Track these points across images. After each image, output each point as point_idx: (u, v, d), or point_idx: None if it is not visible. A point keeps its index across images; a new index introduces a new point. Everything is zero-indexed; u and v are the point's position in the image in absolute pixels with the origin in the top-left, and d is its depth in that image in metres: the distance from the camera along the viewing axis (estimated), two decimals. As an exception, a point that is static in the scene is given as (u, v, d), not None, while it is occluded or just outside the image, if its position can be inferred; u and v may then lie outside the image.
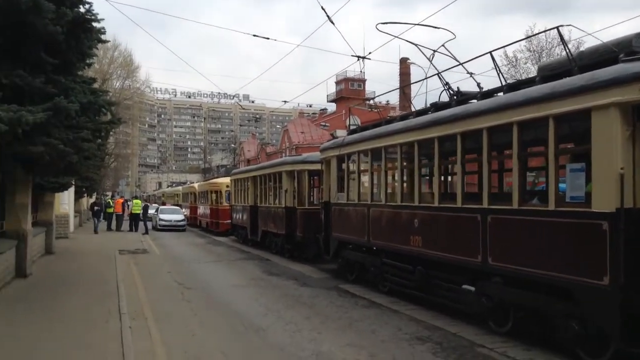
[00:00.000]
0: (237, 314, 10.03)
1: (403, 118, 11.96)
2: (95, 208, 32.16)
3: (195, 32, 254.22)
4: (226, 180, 31.18)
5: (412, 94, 19.40)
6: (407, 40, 11.95)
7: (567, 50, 7.91)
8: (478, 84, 9.82)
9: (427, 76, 11.25)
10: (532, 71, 28.58)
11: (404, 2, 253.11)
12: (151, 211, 37.04)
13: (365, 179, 13.18)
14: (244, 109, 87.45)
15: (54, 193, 19.55)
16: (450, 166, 11.20)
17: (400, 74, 56.77)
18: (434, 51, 11.01)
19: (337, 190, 14.23)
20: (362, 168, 13.16)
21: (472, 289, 8.82)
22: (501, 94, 8.78)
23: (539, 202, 8.04)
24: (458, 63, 10.35)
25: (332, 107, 75.30)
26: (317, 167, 16.59)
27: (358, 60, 17.09)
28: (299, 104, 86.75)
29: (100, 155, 19.47)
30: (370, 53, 18.61)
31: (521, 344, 7.83)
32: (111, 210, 33.13)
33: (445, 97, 10.58)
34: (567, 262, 6.91)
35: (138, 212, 32.85)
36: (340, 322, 9.44)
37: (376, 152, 12.25)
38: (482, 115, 8.62)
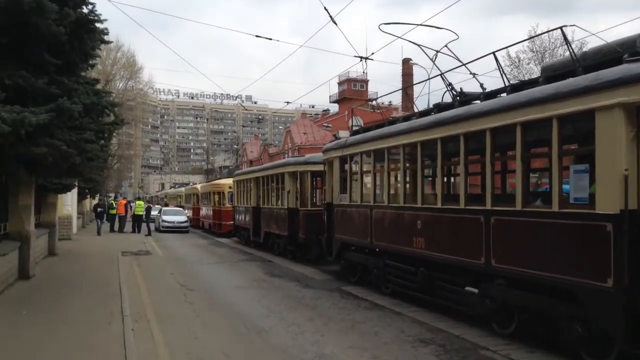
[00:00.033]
0: (240, 315, 10.02)
1: (406, 119, 11.94)
2: (98, 209, 32.22)
3: (197, 33, 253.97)
4: (229, 181, 31.19)
5: (415, 95, 19.39)
6: (409, 41, 11.90)
7: (571, 51, 7.88)
8: (481, 85, 9.78)
9: (430, 77, 11.21)
10: (535, 72, 28.55)
11: (407, 2, 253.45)
12: (154, 212, 37.06)
13: (367, 180, 13.15)
14: (246, 109, 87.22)
15: (57, 194, 19.57)
16: (453, 167, 11.17)
17: (402, 75, 56.73)
18: (437, 52, 10.98)
19: (339, 191, 14.20)
20: (364, 169, 13.14)
21: (476, 290, 8.78)
22: (504, 94, 8.75)
23: (542, 203, 8.01)
24: (461, 64, 10.32)
25: (334, 108, 75.27)
26: (320, 168, 16.57)
27: (361, 60, 17.07)
28: (301, 104, 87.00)
29: (103, 156, 19.49)
30: (373, 54, 18.63)
31: (525, 346, 7.79)
32: (114, 211, 33.16)
33: (448, 98, 10.55)
34: (570, 264, 6.88)
35: (141, 213, 32.89)
36: (342, 324, 9.42)
37: (379, 153, 12.22)
38: (486, 116, 8.59)
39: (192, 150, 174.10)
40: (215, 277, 15.18)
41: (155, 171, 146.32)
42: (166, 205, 45.79)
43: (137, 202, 35.50)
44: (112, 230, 32.25)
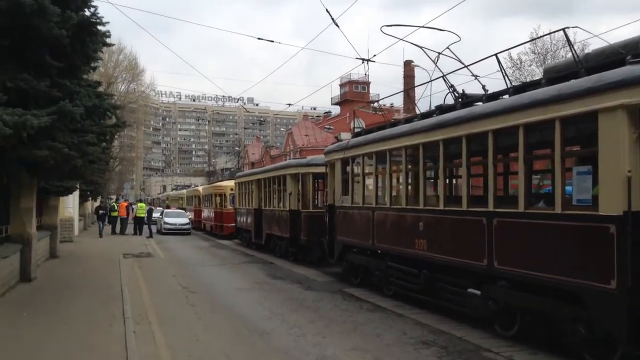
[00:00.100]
0: (242, 317, 10.01)
1: (408, 121, 11.93)
2: (100, 212, 32.21)
3: (198, 35, 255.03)
4: (230, 183, 31.20)
5: (417, 97, 19.34)
6: (411, 43, 11.88)
7: (574, 52, 7.87)
8: (483, 87, 9.77)
9: (432, 79, 11.21)
10: (537, 73, 28.53)
11: (409, 4, 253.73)
12: (156, 214, 37.08)
13: (369, 181, 13.14)
14: (248, 112, 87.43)
15: (58, 197, 19.60)
16: (455, 169, 11.15)
17: (404, 77, 56.70)
18: (439, 53, 10.98)
19: (341, 193, 14.19)
20: (366, 171, 13.13)
21: (478, 292, 8.77)
22: (507, 96, 8.73)
23: (545, 205, 7.99)
24: (463, 65, 10.31)
25: (336, 110, 75.29)
26: (322, 170, 16.55)
27: (362, 62, 17.08)
28: (303, 106, 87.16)
29: (105, 158, 19.48)
30: (374, 55, 18.88)
31: (527, 348, 7.77)
32: (116, 213, 33.19)
33: (450, 100, 10.55)
34: (573, 266, 6.86)
35: (142, 215, 32.87)
36: (344, 325, 9.40)
37: (381, 155, 12.21)
38: (488, 117, 8.58)
39: (193, 153, 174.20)
40: (217, 279, 15.17)
41: (156, 173, 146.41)
42: (168, 207, 45.75)
43: (139, 204, 35.48)
44: (113, 232, 32.27)
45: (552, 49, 30.52)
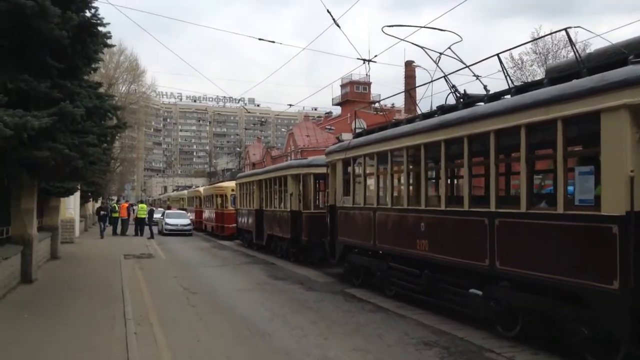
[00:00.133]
0: (243, 318, 9.99)
1: (409, 121, 11.92)
2: (101, 212, 32.21)
3: (199, 36, 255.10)
4: (231, 184, 31.18)
5: (418, 97, 19.36)
6: (412, 43, 11.86)
7: (576, 52, 7.85)
8: (485, 87, 9.76)
9: (433, 79, 11.19)
10: (538, 73, 28.53)
11: (410, 4, 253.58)
12: (157, 215, 37.06)
13: (371, 182, 13.13)
14: (249, 112, 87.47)
15: (59, 198, 19.58)
16: (457, 169, 11.13)
17: (405, 77, 56.71)
18: (440, 54, 10.96)
19: (342, 193, 14.18)
20: (368, 171, 13.11)
21: (480, 293, 8.75)
22: (508, 96, 8.72)
23: (547, 205, 7.98)
24: (464, 66, 10.30)
25: (337, 110, 75.33)
26: (323, 170, 16.54)
27: (363, 63, 17.04)
28: (304, 107, 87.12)
29: (105, 159, 19.45)
30: (375, 56, 18.81)
31: (529, 348, 7.76)
32: (117, 214, 33.16)
33: (451, 100, 10.53)
34: (575, 266, 6.84)
35: (143, 216, 32.83)
36: (346, 326, 9.38)
37: (382, 155, 12.19)
38: (490, 117, 8.56)
39: (194, 153, 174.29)
40: (218, 280, 15.15)
41: (158, 174, 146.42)
42: (169, 208, 45.74)
43: (140, 205, 35.47)
44: (114, 233, 32.26)
45: (553, 49, 30.57)
